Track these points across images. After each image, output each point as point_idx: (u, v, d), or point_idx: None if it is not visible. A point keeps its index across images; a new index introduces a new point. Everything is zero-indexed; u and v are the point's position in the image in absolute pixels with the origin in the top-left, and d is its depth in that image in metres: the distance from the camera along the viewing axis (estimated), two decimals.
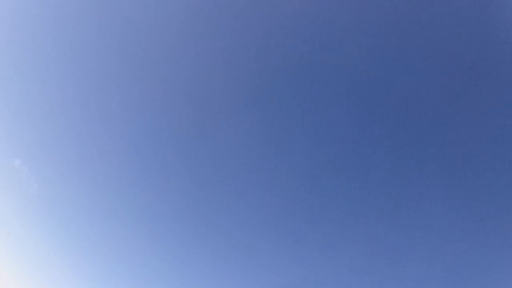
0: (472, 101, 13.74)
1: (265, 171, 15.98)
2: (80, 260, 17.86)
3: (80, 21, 16.14)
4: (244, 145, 16.04)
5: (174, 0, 15.72)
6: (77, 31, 16.25)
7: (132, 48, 16.14)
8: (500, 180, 13.46)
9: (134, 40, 16.02)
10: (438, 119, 14.34)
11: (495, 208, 13.57)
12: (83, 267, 17.78)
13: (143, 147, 16.68)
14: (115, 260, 17.53)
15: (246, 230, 16.31)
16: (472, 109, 13.73)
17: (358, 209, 15.27)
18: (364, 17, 14.51)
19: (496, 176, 13.52)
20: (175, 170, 16.82)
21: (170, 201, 16.87)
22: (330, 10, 14.80)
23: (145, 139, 16.65)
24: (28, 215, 17.92)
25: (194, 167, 16.52)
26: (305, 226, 15.69)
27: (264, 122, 15.97)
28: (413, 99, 14.55)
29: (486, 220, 13.76)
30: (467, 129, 13.91)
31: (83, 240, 17.73)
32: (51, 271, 17.97)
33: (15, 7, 16.43)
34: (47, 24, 16.49)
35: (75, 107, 16.92)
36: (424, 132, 14.51)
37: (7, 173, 17.43)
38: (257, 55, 15.69)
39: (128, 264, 17.28)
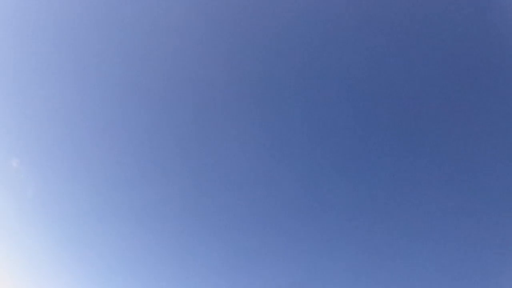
0: (472, 101, 13.79)
1: (266, 171, 15.98)
2: (79, 260, 17.79)
3: (79, 20, 16.05)
4: (244, 145, 16.02)
5: (176, 1, 15.69)
6: (76, 29, 16.17)
7: (132, 47, 16.08)
8: (500, 180, 13.52)
9: (135, 39, 15.97)
10: (438, 119, 14.38)
11: (495, 208, 13.63)
12: (82, 267, 17.71)
13: (143, 147, 16.64)
14: (114, 260, 17.47)
15: (246, 230, 16.30)
16: (473, 110, 13.77)
17: (358, 209, 15.30)
18: (365, 17, 14.53)
19: (496, 177, 13.58)
20: (174, 169, 16.79)
21: (169, 202, 16.83)
22: (331, 10, 14.81)
23: (144, 139, 16.61)
24: (25, 215, 17.82)
25: (194, 167, 16.50)
26: (305, 226, 15.71)
27: (264, 122, 15.97)
28: (413, 100, 14.58)
29: (486, 221, 13.82)
30: (467, 129, 13.96)
31: (81, 240, 17.65)
32: (49, 271, 17.88)
33: (15, 6, 16.34)
34: (45, 22, 16.40)
35: (74, 106, 16.83)
36: (424, 133, 14.55)
37: (5, 173, 17.33)
38: (258, 55, 15.67)
39: (128, 264, 17.24)
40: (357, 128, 15.25)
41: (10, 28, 16.55)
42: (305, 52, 15.28)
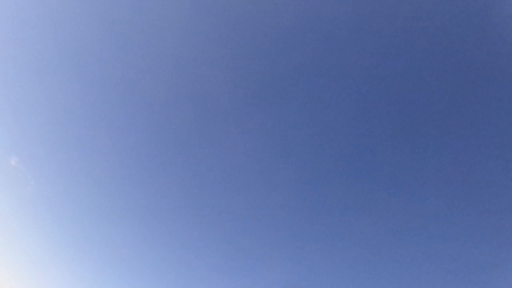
0: (473, 101, 13.79)
1: (267, 171, 15.96)
2: (78, 259, 17.75)
3: (80, 19, 15.96)
4: (245, 145, 15.98)
5: (177, 0, 15.60)
6: (77, 29, 16.06)
7: (132, 47, 15.99)
8: (501, 180, 13.54)
9: (136, 39, 15.88)
10: (438, 119, 14.38)
11: (495, 208, 13.65)
12: (81, 266, 17.67)
13: (143, 146, 16.57)
14: (114, 260, 17.44)
15: (246, 230, 16.29)
16: (474, 109, 13.77)
17: (358, 209, 15.30)
18: (366, 17, 14.49)
19: (497, 176, 13.59)
20: (175, 169, 16.75)
21: (171, 201, 16.81)
22: (332, 10, 14.76)
23: (145, 139, 16.55)
24: (24, 213, 17.76)
25: (195, 167, 16.45)
26: (305, 226, 15.72)
27: (265, 122, 15.93)
28: (414, 99, 14.57)
29: (486, 220, 13.85)
30: (467, 129, 13.96)
31: (80, 239, 17.61)
32: (48, 270, 17.84)
33: (15, 6, 16.23)
34: (45, 21, 16.30)
35: (74, 105, 16.75)
36: (424, 132, 14.55)
37: (4, 171, 17.26)
38: (259, 55, 15.62)
39: (128, 264, 17.21)
40: (357, 128, 15.25)
41: (9, 26, 16.45)
42: (306, 52, 15.24)
